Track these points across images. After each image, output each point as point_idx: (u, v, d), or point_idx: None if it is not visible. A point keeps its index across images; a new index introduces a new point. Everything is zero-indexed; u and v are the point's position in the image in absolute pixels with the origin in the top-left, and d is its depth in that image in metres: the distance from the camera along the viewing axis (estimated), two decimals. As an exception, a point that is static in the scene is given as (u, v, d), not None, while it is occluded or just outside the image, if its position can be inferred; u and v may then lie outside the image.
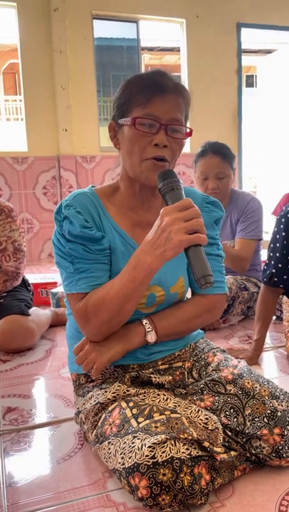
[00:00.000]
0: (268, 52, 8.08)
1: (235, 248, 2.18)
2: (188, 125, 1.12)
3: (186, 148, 4.77)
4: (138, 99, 1.06)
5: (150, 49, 11.48)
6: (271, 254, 1.70)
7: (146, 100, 1.05)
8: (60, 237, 1.11)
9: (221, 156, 2.13)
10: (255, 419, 1.05)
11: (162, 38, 10.06)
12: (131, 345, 1.12)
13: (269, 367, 1.75)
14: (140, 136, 1.06)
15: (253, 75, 12.86)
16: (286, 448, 1.04)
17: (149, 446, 0.90)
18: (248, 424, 1.05)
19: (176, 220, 0.93)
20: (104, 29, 4.77)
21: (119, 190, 1.18)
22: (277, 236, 1.67)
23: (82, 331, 1.13)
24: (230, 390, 1.10)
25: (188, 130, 1.10)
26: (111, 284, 1.06)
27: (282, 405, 1.07)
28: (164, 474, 0.88)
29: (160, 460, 0.89)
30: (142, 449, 0.91)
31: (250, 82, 13.35)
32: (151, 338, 1.13)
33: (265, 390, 1.09)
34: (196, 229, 0.93)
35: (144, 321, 1.14)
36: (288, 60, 5.47)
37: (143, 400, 1.07)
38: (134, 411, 1.02)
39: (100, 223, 1.13)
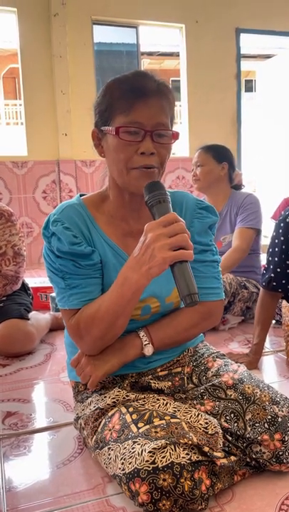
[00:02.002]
0: (267, 57, 8.12)
1: (233, 240, 2.28)
2: (174, 127, 1.07)
3: (185, 152, 4.78)
4: (120, 105, 1.01)
5: (150, 54, 11.53)
6: (270, 258, 1.70)
7: (128, 107, 1.00)
8: (49, 252, 1.09)
9: (203, 149, 2.39)
10: (256, 425, 1.05)
11: (162, 43, 10.11)
12: (127, 357, 1.12)
13: (269, 371, 1.75)
14: (125, 145, 1.01)
15: (252, 80, 12.91)
16: (286, 454, 1.04)
17: (149, 452, 0.90)
18: (249, 429, 1.05)
19: (159, 236, 0.90)
20: (104, 34, 4.79)
21: (109, 199, 1.15)
22: (276, 240, 1.68)
23: (77, 346, 1.12)
24: (231, 395, 1.10)
25: (174, 133, 1.06)
26: (101, 300, 1.04)
27: (282, 411, 1.07)
28: (164, 479, 0.88)
29: (160, 465, 0.89)
30: (142, 454, 0.91)
31: (250, 86, 13.40)
32: (148, 351, 1.12)
33: (265, 396, 1.09)
34: (180, 245, 0.90)
35: (141, 334, 1.13)
36: (287, 65, 5.49)
37: (143, 405, 1.07)
38: (134, 416, 1.02)
39: (89, 237, 1.10)
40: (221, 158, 2.35)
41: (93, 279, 1.08)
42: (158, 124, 1.02)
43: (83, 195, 1.19)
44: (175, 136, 1.06)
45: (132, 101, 1.00)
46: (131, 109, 1.00)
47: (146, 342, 1.12)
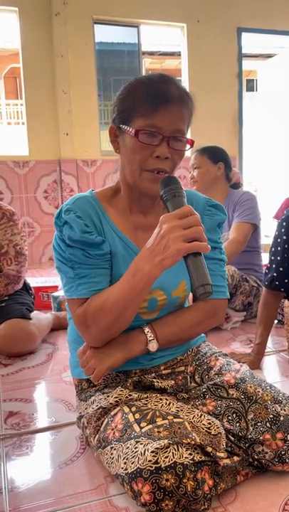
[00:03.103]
0: (269, 56, 8.12)
1: (230, 234, 2.31)
2: (189, 132, 1.10)
3: (186, 152, 4.77)
4: (142, 108, 1.03)
5: (151, 53, 11.53)
6: (272, 257, 1.70)
7: (150, 111, 1.02)
8: (60, 242, 1.09)
9: (199, 152, 2.43)
10: (258, 424, 1.05)
11: (163, 43, 10.12)
12: (132, 353, 1.11)
13: (271, 371, 1.75)
14: (142, 147, 1.03)
15: (253, 79, 12.90)
16: (289, 453, 1.04)
17: (152, 452, 0.90)
18: (251, 429, 1.04)
19: (174, 227, 0.91)
20: (105, 34, 4.79)
21: (120, 194, 1.17)
22: (278, 240, 1.67)
23: (82, 336, 1.12)
24: (233, 395, 1.10)
25: (189, 140, 1.08)
26: (110, 290, 1.05)
27: (284, 410, 1.07)
28: (167, 479, 0.87)
29: (163, 465, 0.88)
30: (144, 454, 0.91)
31: (251, 86, 13.40)
32: (153, 347, 1.12)
33: (267, 395, 1.09)
34: (195, 237, 0.90)
35: (146, 330, 1.13)
36: (288, 65, 5.48)
37: (145, 404, 1.07)
38: (137, 416, 1.02)
39: (100, 227, 1.12)
40: (216, 159, 2.39)
41: (102, 269, 1.08)
42: (176, 130, 1.04)
43: (94, 190, 1.20)
44: (190, 142, 1.09)
45: (154, 106, 1.02)
46: (152, 113, 1.02)
47: (151, 338, 1.12)
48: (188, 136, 1.11)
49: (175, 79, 1.08)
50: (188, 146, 1.08)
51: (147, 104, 1.02)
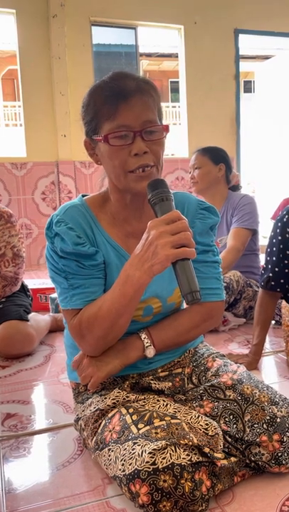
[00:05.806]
0: (266, 58, 8.14)
1: (228, 240, 2.30)
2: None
3: (184, 153, 4.79)
4: (104, 112, 1.01)
5: (148, 55, 11.55)
6: (268, 258, 1.70)
7: (112, 112, 1.00)
8: (52, 253, 1.08)
9: (200, 152, 2.43)
10: (255, 426, 1.05)
11: (161, 44, 10.13)
12: (129, 359, 1.11)
13: (268, 372, 1.75)
14: (117, 150, 1.01)
15: (250, 81, 12.92)
16: (285, 455, 1.03)
17: (150, 453, 0.90)
18: (248, 430, 1.04)
19: (162, 233, 0.90)
20: (102, 35, 4.80)
21: (110, 201, 1.15)
22: (274, 240, 1.68)
23: (78, 346, 1.12)
24: (230, 396, 1.10)
25: (164, 126, 1.05)
26: (103, 299, 1.04)
27: (281, 411, 1.07)
28: (164, 481, 0.87)
29: (161, 466, 0.88)
30: (142, 455, 0.91)
31: (248, 87, 13.42)
32: (150, 353, 1.12)
33: (264, 396, 1.09)
34: (183, 243, 0.90)
35: (143, 336, 1.13)
36: (286, 66, 5.50)
37: (143, 406, 1.06)
38: (134, 417, 1.02)
39: (92, 237, 1.10)
40: (217, 160, 2.39)
41: (96, 279, 1.08)
42: (145, 122, 1.02)
43: (85, 195, 1.19)
44: (165, 129, 1.06)
45: (115, 105, 1.00)
46: (115, 114, 1.00)
47: (148, 344, 1.12)
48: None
49: (130, 72, 1.05)
50: (165, 133, 1.04)
51: (107, 106, 1.01)
